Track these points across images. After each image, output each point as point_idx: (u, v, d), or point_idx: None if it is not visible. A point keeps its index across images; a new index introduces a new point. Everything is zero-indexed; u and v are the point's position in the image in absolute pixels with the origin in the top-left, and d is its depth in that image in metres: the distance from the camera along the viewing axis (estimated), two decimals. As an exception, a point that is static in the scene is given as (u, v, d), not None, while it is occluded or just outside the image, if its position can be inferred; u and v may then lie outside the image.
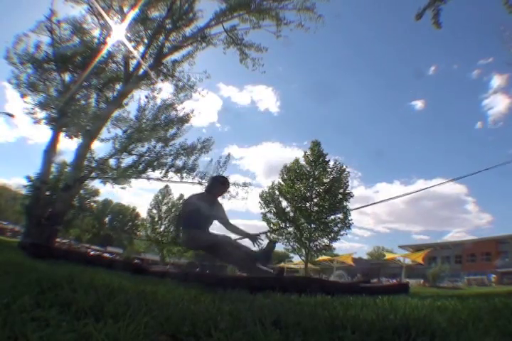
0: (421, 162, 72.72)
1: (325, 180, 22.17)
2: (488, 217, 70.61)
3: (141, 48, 11.99)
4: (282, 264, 40.18)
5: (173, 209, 37.51)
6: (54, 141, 11.49)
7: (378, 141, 67.50)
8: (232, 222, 3.97)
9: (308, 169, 22.66)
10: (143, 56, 11.73)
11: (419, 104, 79.70)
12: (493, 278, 24.03)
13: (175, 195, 39.28)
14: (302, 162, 23.09)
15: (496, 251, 32.73)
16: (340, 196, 22.01)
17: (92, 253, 20.19)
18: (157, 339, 0.95)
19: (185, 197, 4.12)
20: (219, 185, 4.00)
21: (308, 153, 23.22)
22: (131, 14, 11.10)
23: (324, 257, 27.23)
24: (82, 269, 2.33)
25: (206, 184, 3.97)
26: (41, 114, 11.79)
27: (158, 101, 13.20)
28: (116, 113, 12.22)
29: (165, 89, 13.50)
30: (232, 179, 14.29)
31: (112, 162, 12.70)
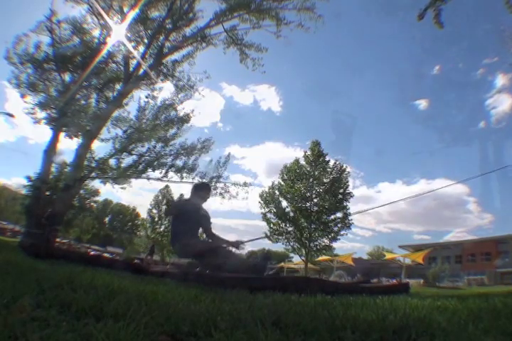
0: (423, 161, 72.56)
1: (325, 180, 22.15)
2: (490, 217, 70.25)
3: (141, 48, 12.00)
4: (282, 264, 40.18)
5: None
6: (54, 141, 11.49)
7: (380, 140, 67.20)
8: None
9: (309, 169, 22.64)
10: (143, 56, 11.73)
11: (423, 104, 79.32)
12: None
13: (175, 195, 39.26)
14: (302, 162, 23.08)
15: (496, 251, 32.66)
16: (340, 196, 21.99)
17: (92, 253, 20.16)
18: (157, 339, 0.95)
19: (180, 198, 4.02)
20: (208, 191, 4.04)
21: (309, 153, 23.21)
22: (131, 14, 11.10)
23: (324, 257, 27.18)
24: (82, 269, 2.33)
25: (193, 191, 3.88)
26: (41, 114, 11.81)
27: (158, 101, 13.23)
28: (116, 113, 12.23)
29: (165, 89, 13.53)
30: (233, 179, 14.36)
31: (112, 162, 12.73)
